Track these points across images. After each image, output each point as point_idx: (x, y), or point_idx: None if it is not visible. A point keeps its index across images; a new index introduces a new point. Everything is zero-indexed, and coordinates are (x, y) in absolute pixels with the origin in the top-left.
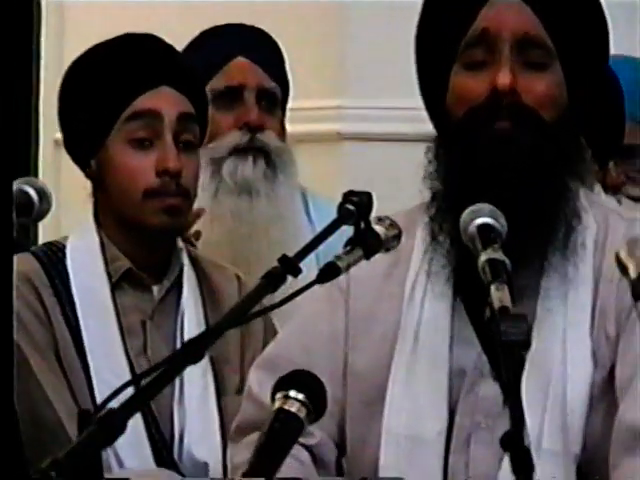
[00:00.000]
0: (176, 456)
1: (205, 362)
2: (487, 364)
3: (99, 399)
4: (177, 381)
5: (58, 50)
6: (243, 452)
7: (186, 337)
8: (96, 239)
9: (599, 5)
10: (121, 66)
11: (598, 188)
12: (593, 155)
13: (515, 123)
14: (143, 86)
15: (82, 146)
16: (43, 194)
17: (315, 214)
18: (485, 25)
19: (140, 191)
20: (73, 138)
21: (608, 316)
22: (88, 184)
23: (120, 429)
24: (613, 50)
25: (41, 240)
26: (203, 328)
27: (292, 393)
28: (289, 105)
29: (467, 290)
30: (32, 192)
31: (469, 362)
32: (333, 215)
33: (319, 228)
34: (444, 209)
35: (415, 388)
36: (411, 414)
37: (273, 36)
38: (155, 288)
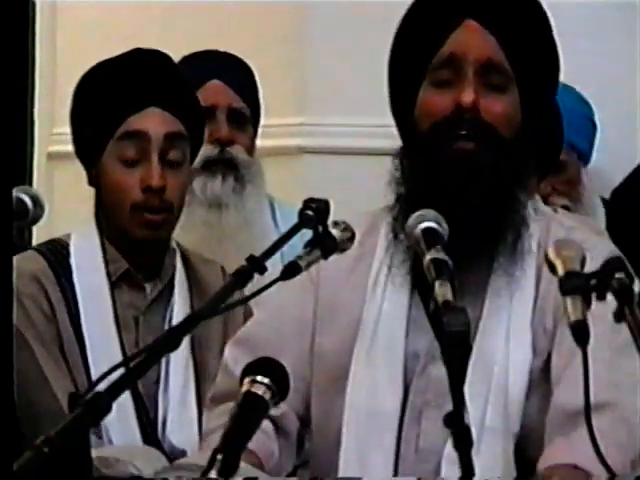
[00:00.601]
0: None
1: (187, 353)
2: (438, 349)
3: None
4: (163, 370)
5: (51, 64)
6: (216, 419)
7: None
8: (97, 241)
9: (553, 38)
10: (115, 87)
11: (537, 197)
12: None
13: (477, 141)
14: (133, 107)
15: (84, 157)
16: (37, 201)
17: (281, 220)
18: (453, 49)
19: (127, 205)
20: (78, 149)
21: (546, 312)
22: (90, 191)
23: (105, 410)
24: (613, 50)
25: (35, 241)
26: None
27: (259, 378)
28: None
29: (423, 283)
30: (27, 199)
31: (423, 347)
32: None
33: (283, 230)
34: (406, 211)
35: (374, 368)
36: (370, 391)
37: (239, 57)
38: (148, 287)
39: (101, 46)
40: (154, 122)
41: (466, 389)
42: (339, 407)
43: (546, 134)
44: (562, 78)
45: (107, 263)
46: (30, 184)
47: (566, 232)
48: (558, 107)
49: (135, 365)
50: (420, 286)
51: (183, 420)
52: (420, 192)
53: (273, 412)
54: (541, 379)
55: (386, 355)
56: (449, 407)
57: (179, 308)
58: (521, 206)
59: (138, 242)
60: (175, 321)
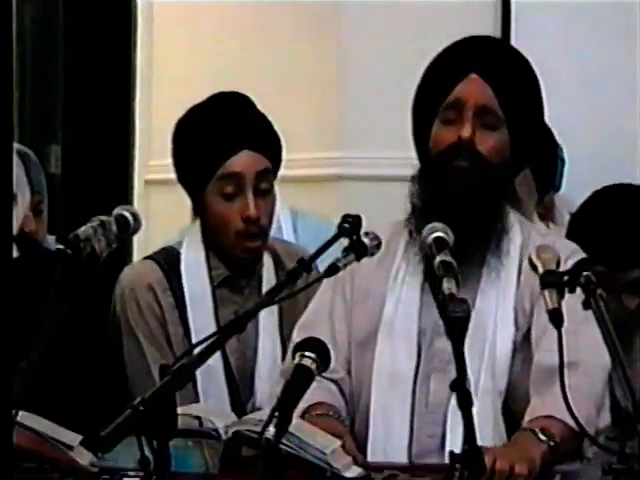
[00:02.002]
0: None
1: (277, 335)
2: (442, 327)
3: (198, 371)
4: (260, 351)
5: (148, 104)
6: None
7: (261, 319)
8: (202, 253)
9: (538, 90)
10: (209, 133)
11: (535, 213)
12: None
13: (470, 163)
14: (230, 151)
15: (190, 192)
16: (136, 217)
17: (301, 228)
18: (458, 96)
19: (232, 233)
20: (184, 185)
21: (525, 297)
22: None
23: (188, 379)
24: (613, 50)
25: (135, 248)
26: (275, 309)
27: (306, 353)
28: (298, 156)
29: (432, 277)
30: (128, 215)
31: (430, 324)
32: (317, 229)
33: (303, 240)
34: (419, 220)
35: (395, 340)
36: (392, 357)
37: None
38: (245, 288)
39: (192, 87)
40: (247, 164)
41: (465, 355)
42: (368, 372)
43: (543, 163)
44: (561, 78)
45: (210, 270)
46: (131, 205)
47: (541, 237)
48: (552, 134)
49: (211, 343)
50: (430, 279)
51: (270, 396)
52: (429, 203)
53: (335, 375)
54: (521, 348)
55: (403, 331)
56: (452, 372)
57: None
58: (503, 216)
59: (240, 260)
60: (264, 315)
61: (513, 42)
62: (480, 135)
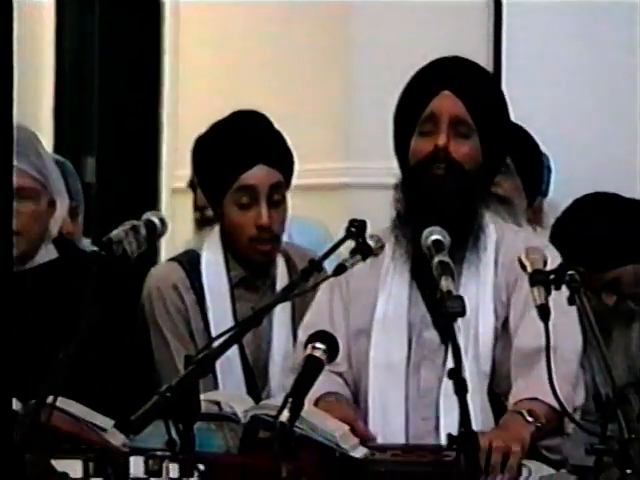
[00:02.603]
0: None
1: (289, 329)
2: (430, 319)
3: (217, 361)
4: (275, 343)
5: (174, 118)
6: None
7: (275, 314)
8: (221, 255)
9: (504, 103)
10: (227, 149)
11: (524, 217)
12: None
13: (446, 170)
14: (245, 166)
15: (210, 200)
16: (163, 221)
17: (296, 233)
18: (433, 110)
19: (246, 238)
20: (205, 194)
21: (502, 289)
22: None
23: (210, 368)
24: (613, 49)
25: (163, 250)
26: (288, 305)
27: (317, 344)
28: (309, 166)
29: (418, 275)
30: (156, 220)
31: (419, 318)
32: (310, 232)
33: (296, 242)
34: (404, 223)
35: (387, 333)
36: (385, 349)
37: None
38: (260, 287)
39: (213, 103)
40: (261, 177)
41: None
42: (365, 360)
43: (529, 172)
44: (563, 77)
45: (229, 271)
46: (158, 211)
47: (514, 235)
48: (537, 147)
49: (230, 336)
50: (416, 277)
51: (282, 386)
52: (412, 208)
53: (339, 368)
54: (501, 334)
55: (394, 324)
56: (439, 360)
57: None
58: (479, 217)
59: (255, 262)
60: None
61: (504, 42)
62: (454, 143)
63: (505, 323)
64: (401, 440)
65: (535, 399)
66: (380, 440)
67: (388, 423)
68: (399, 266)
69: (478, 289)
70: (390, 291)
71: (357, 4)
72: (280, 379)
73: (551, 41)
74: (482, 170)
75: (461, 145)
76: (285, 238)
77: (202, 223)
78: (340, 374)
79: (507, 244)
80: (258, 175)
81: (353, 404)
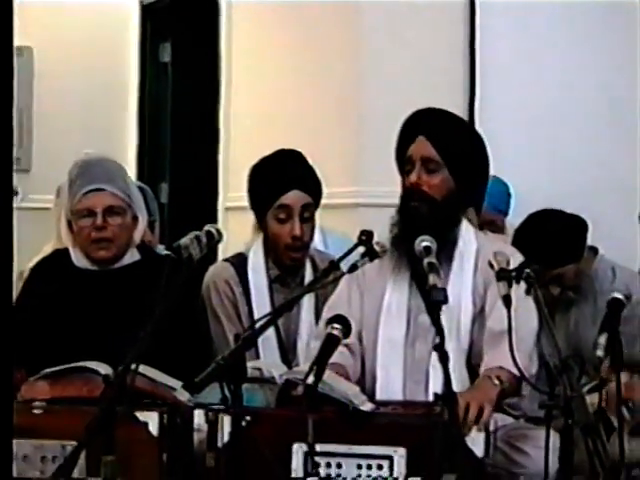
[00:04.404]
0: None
1: (313, 315)
2: (424, 307)
3: (259, 339)
4: (302, 325)
5: (228, 147)
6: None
7: (303, 302)
8: (263, 257)
9: (473, 139)
10: (272, 176)
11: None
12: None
13: (419, 202)
14: (284, 190)
15: (257, 215)
16: (219, 232)
17: (330, 242)
18: (410, 153)
19: (283, 246)
20: (253, 210)
21: (479, 284)
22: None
23: (253, 343)
24: (614, 49)
25: (220, 254)
26: (312, 296)
27: (335, 325)
28: (328, 190)
29: (416, 272)
30: (214, 231)
31: (416, 306)
32: (341, 242)
33: (331, 250)
34: (399, 239)
35: (392, 317)
36: (390, 328)
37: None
38: (292, 283)
39: (258, 135)
40: (295, 199)
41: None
42: (375, 337)
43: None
44: (564, 76)
45: (268, 270)
46: (216, 224)
47: (490, 243)
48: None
49: (268, 319)
50: (414, 274)
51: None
52: (400, 230)
53: (348, 342)
54: (478, 319)
55: (397, 310)
56: (430, 337)
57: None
58: (454, 230)
59: (288, 264)
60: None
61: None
62: (426, 178)
63: (481, 311)
64: (399, 397)
65: (501, 367)
66: (384, 396)
67: (390, 384)
68: (402, 266)
69: (461, 285)
70: (395, 285)
71: (362, 39)
72: (306, 351)
73: (527, 40)
74: (455, 195)
75: (431, 179)
76: (322, 246)
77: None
78: (347, 345)
79: (485, 251)
80: (293, 197)
81: (350, 372)
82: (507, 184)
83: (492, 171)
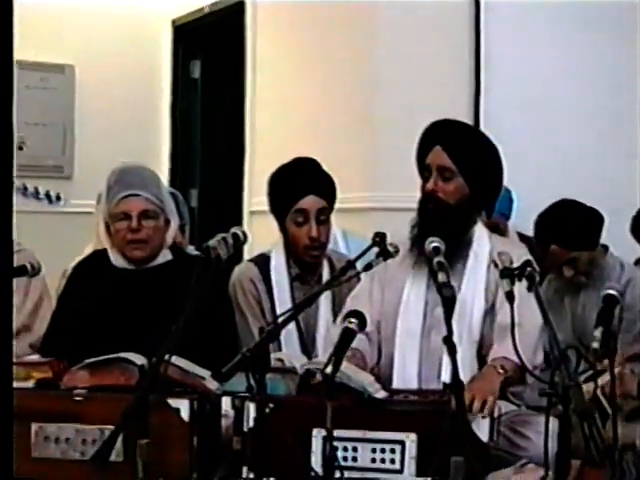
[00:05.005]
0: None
1: (330, 310)
2: (439, 300)
3: (282, 333)
4: (320, 320)
5: (252, 155)
6: None
7: (322, 299)
8: (284, 257)
9: (486, 149)
10: (290, 183)
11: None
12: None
13: (435, 207)
14: (302, 195)
15: (277, 218)
16: (245, 234)
17: (351, 243)
18: (428, 161)
19: (302, 247)
20: (274, 214)
21: (491, 282)
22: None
23: (276, 336)
24: (614, 49)
25: (245, 253)
26: (329, 293)
27: (351, 319)
28: (344, 195)
29: (432, 269)
30: (240, 233)
31: (432, 299)
32: (361, 244)
33: (352, 250)
34: (418, 239)
35: (410, 309)
36: (408, 320)
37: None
38: (310, 281)
39: (277, 153)
40: (312, 203)
41: (453, 320)
42: (394, 327)
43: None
44: (564, 76)
45: (289, 269)
46: (241, 226)
47: (502, 244)
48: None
49: (289, 315)
50: (432, 271)
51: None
52: (419, 231)
53: (367, 330)
54: (489, 313)
55: (415, 303)
56: (444, 329)
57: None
58: (470, 232)
59: (307, 263)
60: (322, 297)
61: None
62: (441, 185)
63: (492, 306)
64: (415, 382)
65: (505, 358)
66: (400, 382)
67: (407, 371)
68: (421, 263)
69: (475, 282)
70: (414, 280)
71: (374, 48)
72: (324, 344)
73: (531, 42)
74: (468, 200)
75: (446, 185)
76: (344, 247)
77: None
78: (366, 333)
79: (495, 249)
80: (309, 202)
81: (366, 358)
82: (509, 189)
83: None
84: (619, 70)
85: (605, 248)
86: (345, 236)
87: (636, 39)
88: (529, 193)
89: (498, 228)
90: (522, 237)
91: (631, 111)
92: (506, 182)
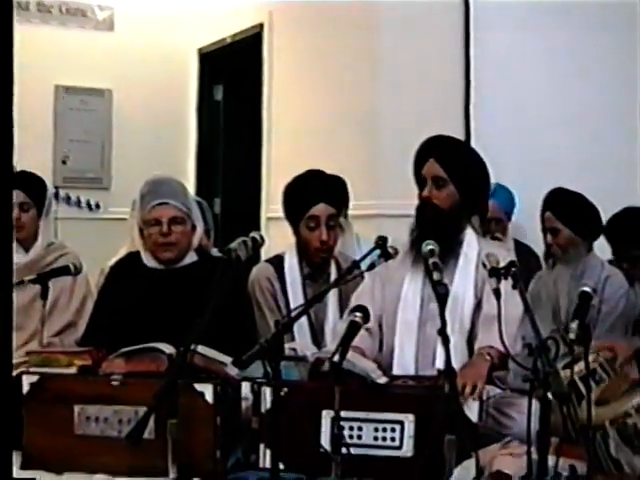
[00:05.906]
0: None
1: (337, 306)
2: (433, 295)
3: (294, 325)
4: (329, 314)
5: (269, 168)
6: None
7: (330, 295)
8: (297, 258)
9: (474, 160)
10: (303, 192)
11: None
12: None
13: (430, 212)
14: (313, 203)
15: (291, 224)
16: (262, 238)
17: (363, 245)
18: (423, 172)
19: (313, 249)
20: (288, 220)
21: (479, 280)
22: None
23: (290, 328)
24: (614, 49)
25: (263, 254)
26: (337, 291)
27: (356, 313)
28: (353, 203)
29: (428, 268)
30: (258, 237)
31: (427, 295)
32: (370, 245)
33: (363, 251)
34: (415, 237)
35: (408, 302)
36: (406, 313)
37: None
38: (321, 280)
39: (292, 163)
40: (322, 211)
41: (446, 313)
42: (394, 320)
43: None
44: (564, 76)
45: (301, 269)
46: (259, 231)
47: (489, 246)
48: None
49: (300, 311)
50: (427, 270)
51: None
52: (417, 235)
53: (368, 325)
54: (477, 308)
55: (413, 299)
56: (438, 322)
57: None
58: (460, 234)
59: (317, 263)
60: (331, 293)
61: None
62: (435, 193)
63: (479, 301)
64: (412, 369)
65: (491, 346)
66: (399, 368)
67: (405, 359)
68: (418, 263)
69: (465, 280)
70: (412, 277)
71: (379, 59)
72: (332, 335)
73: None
74: (459, 205)
75: (440, 193)
76: (358, 250)
77: None
78: (368, 329)
79: (484, 253)
80: (320, 209)
81: (367, 353)
82: (512, 193)
83: (493, 176)
84: (617, 71)
85: (591, 247)
86: (359, 240)
87: (636, 39)
88: (525, 194)
89: (501, 222)
90: (517, 244)
91: (630, 112)
92: (503, 179)
